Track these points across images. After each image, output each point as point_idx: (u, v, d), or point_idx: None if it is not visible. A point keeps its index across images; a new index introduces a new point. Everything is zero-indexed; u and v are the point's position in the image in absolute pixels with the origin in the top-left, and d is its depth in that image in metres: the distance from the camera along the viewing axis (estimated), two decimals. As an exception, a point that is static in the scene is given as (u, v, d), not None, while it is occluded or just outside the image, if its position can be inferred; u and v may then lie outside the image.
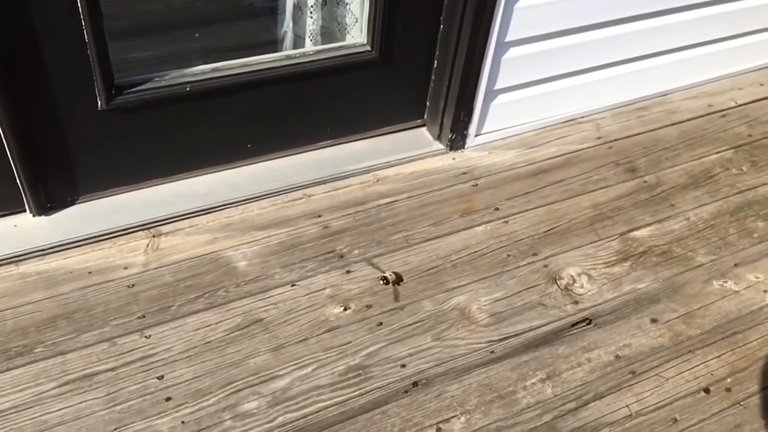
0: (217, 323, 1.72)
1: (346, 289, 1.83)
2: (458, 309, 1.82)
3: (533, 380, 1.67)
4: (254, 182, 2.07)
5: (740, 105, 2.61)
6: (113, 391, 1.57)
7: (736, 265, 2.00)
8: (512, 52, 2.15)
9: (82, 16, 1.63)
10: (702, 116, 2.55)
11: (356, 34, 2.11)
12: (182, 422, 1.53)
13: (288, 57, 2.02)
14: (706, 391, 1.68)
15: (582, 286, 1.90)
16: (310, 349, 1.69)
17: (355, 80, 2.11)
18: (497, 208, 2.11)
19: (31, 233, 1.86)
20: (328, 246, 1.94)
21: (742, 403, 1.66)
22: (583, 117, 2.48)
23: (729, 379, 1.71)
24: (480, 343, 1.74)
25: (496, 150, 2.33)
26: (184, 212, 1.97)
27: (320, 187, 2.11)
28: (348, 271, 1.88)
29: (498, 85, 2.21)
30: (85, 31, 1.66)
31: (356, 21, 2.10)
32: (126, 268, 1.83)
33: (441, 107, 2.22)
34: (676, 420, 1.62)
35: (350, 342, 1.72)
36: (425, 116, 2.32)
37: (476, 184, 2.19)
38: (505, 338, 1.76)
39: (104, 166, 1.92)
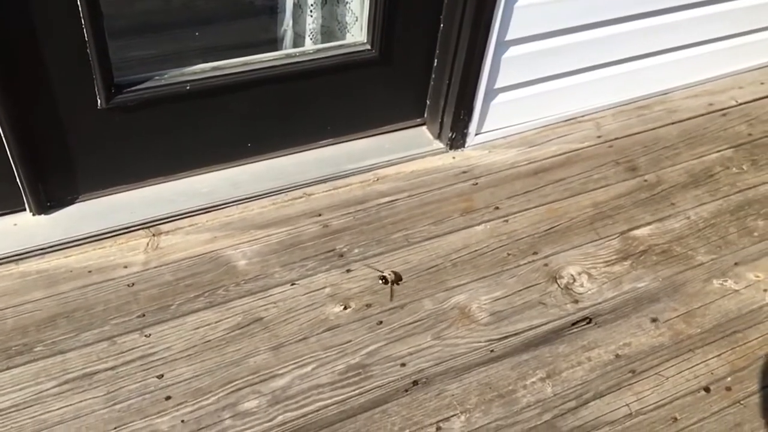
0: (216, 322, 1.72)
1: (346, 288, 1.83)
2: (458, 308, 1.82)
3: (533, 379, 1.67)
4: (254, 181, 2.07)
5: (741, 104, 2.61)
6: (113, 389, 1.57)
7: (736, 264, 2.00)
8: (512, 51, 2.15)
9: (82, 15, 1.63)
10: (702, 115, 2.55)
11: (356, 33, 2.11)
12: (182, 421, 1.53)
13: (288, 56, 2.02)
14: (706, 390, 1.68)
15: (582, 285, 1.90)
16: (310, 348, 1.69)
17: (355, 79, 2.11)
18: (497, 207, 2.11)
19: (31, 232, 1.87)
20: (328, 245, 1.94)
21: (742, 402, 1.66)
22: (583, 116, 2.48)
23: (729, 378, 1.71)
24: (480, 342, 1.74)
25: (497, 149, 2.33)
26: (184, 211, 1.97)
27: (320, 186, 2.11)
28: (348, 270, 1.88)
29: (498, 84, 2.21)
30: (84, 30, 1.66)
31: (356, 20, 2.10)
32: (126, 267, 1.83)
33: (441, 106, 2.22)
34: (676, 419, 1.62)
35: (350, 341, 1.72)
36: (425, 115, 2.32)
37: (476, 183, 2.19)
38: (505, 337, 1.76)
39: (104, 165, 1.92)
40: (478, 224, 2.05)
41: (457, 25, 2.03)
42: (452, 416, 1.59)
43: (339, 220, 2.02)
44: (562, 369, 1.70)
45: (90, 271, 1.81)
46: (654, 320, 1.83)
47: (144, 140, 1.93)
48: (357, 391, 1.61)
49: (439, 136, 2.30)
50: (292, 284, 1.83)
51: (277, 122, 2.09)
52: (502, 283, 1.89)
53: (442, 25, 2.09)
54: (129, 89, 1.82)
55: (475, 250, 1.97)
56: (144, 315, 1.72)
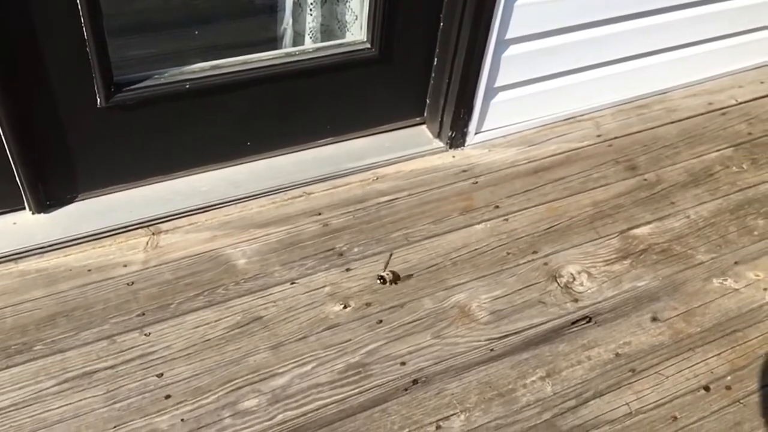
0: (216, 321, 1.72)
1: (345, 287, 1.83)
2: (458, 307, 1.81)
3: (533, 378, 1.67)
4: (254, 180, 2.07)
5: (740, 103, 2.61)
6: (113, 388, 1.57)
7: (736, 263, 2.00)
8: (512, 50, 2.15)
9: (81, 14, 1.63)
10: (702, 114, 2.55)
11: (356, 32, 2.11)
12: (182, 420, 1.53)
13: (288, 54, 2.02)
14: (706, 389, 1.68)
15: (582, 284, 1.90)
16: (310, 347, 1.69)
17: (355, 78, 2.11)
18: (497, 206, 2.11)
19: (30, 231, 1.86)
20: (327, 244, 1.94)
21: (742, 401, 1.66)
22: (583, 115, 2.48)
23: (729, 377, 1.71)
24: (480, 340, 1.74)
25: (496, 148, 2.33)
26: (184, 210, 1.97)
27: (320, 185, 2.11)
28: (348, 269, 1.88)
29: (498, 83, 2.21)
30: (84, 29, 1.65)
31: (356, 18, 2.10)
32: (125, 265, 1.83)
33: (441, 105, 2.22)
34: (676, 418, 1.62)
35: (350, 340, 1.71)
36: (425, 114, 2.32)
37: (476, 182, 2.19)
38: (505, 336, 1.76)
39: (103, 164, 1.92)
40: (478, 223, 2.05)
41: (457, 24, 2.03)
42: (452, 415, 1.59)
43: (339, 219, 2.02)
44: (561, 368, 1.70)
45: (89, 270, 1.81)
46: (654, 319, 1.83)
47: (143, 139, 1.93)
48: (357, 390, 1.61)
49: (438, 135, 2.29)
50: (292, 283, 1.83)
51: (277, 121, 2.09)
52: (502, 282, 1.89)
53: (442, 24, 2.09)
54: (128, 88, 1.81)
55: (475, 249, 1.97)
56: (143, 314, 1.72)
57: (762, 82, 2.71)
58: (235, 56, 1.95)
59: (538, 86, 2.31)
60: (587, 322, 1.81)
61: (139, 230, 1.92)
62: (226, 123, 2.01)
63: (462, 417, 1.59)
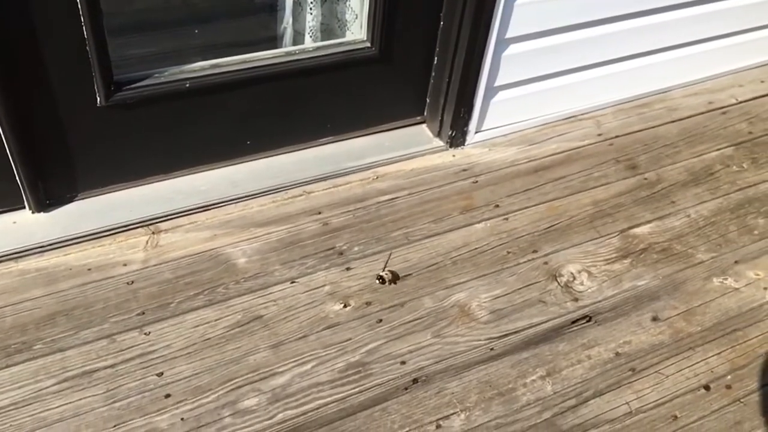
0: (216, 320, 1.72)
1: (345, 286, 1.83)
2: (458, 306, 1.81)
3: (533, 377, 1.67)
4: (254, 179, 2.07)
5: (741, 102, 2.61)
6: (112, 388, 1.57)
7: (736, 262, 2.00)
8: (512, 49, 2.15)
9: (81, 13, 1.63)
10: (702, 113, 2.55)
11: (356, 31, 2.11)
12: (182, 419, 1.53)
13: (288, 53, 2.01)
14: (707, 388, 1.68)
15: (582, 283, 1.90)
16: (310, 346, 1.69)
17: (355, 77, 2.10)
18: (497, 205, 2.11)
19: (30, 230, 1.86)
20: (327, 243, 1.94)
21: (742, 400, 1.66)
22: (583, 114, 2.48)
23: (729, 377, 1.71)
24: (480, 340, 1.74)
25: (497, 147, 2.32)
26: (184, 209, 1.97)
27: (320, 184, 2.11)
28: (348, 268, 1.88)
29: (498, 82, 2.21)
30: (84, 28, 1.65)
31: (356, 17, 2.10)
32: (125, 264, 1.82)
33: (441, 104, 2.22)
34: (676, 417, 1.62)
35: (350, 339, 1.71)
36: (425, 113, 2.32)
37: (476, 181, 2.19)
38: (505, 335, 1.76)
39: (103, 163, 1.92)
40: (478, 222, 2.05)
41: (457, 23, 2.02)
42: (452, 414, 1.59)
43: (339, 218, 2.02)
44: (562, 367, 1.70)
45: (89, 269, 1.80)
46: (654, 318, 1.83)
47: (143, 138, 1.92)
48: (357, 389, 1.61)
49: (439, 134, 2.29)
50: (292, 282, 1.83)
51: (277, 120, 2.08)
52: (502, 281, 1.89)
53: (442, 23, 2.08)
54: (128, 87, 1.81)
55: (475, 248, 1.97)
56: (143, 313, 1.72)
57: (762, 81, 2.71)
58: (235, 55, 1.95)
59: (539, 85, 2.30)
60: (587, 322, 1.81)
61: (139, 229, 1.92)
62: (226, 122, 2.01)
63: (462, 416, 1.59)
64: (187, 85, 1.87)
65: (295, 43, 2.20)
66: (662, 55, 2.48)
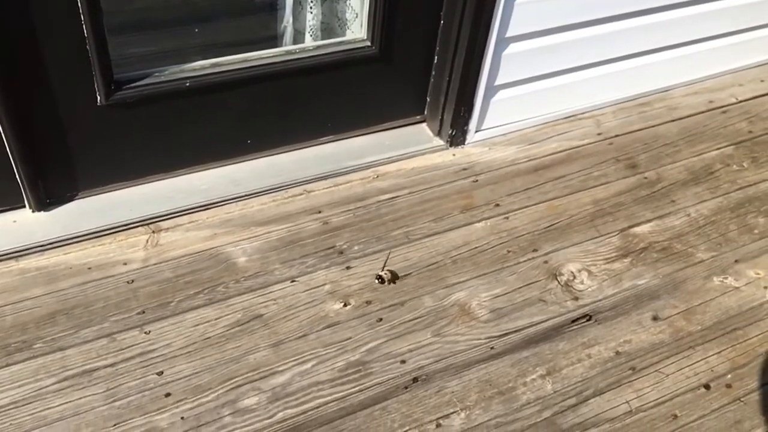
0: (216, 319, 1.72)
1: (345, 285, 1.83)
2: (458, 305, 1.81)
3: (533, 376, 1.67)
4: (254, 178, 2.07)
5: (741, 101, 2.61)
6: (113, 386, 1.57)
7: (736, 261, 2.00)
8: (513, 48, 2.15)
9: (81, 12, 1.63)
10: (703, 112, 2.55)
11: (356, 30, 2.11)
12: (182, 418, 1.53)
13: (288, 52, 2.01)
14: (707, 387, 1.68)
15: (582, 282, 1.90)
16: (310, 345, 1.69)
17: (355, 76, 2.10)
18: (497, 204, 2.11)
19: (30, 229, 1.86)
20: (328, 242, 1.94)
21: (742, 399, 1.66)
22: (583, 113, 2.48)
23: (729, 376, 1.71)
24: (480, 339, 1.74)
25: (497, 146, 2.32)
26: (184, 208, 1.97)
27: (320, 183, 2.11)
28: (348, 267, 1.88)
29: (498, 81, 2.21)
30: (84, 27, 1.65)
31: (356, 16, 2.10)
32: (125, 263, 1.82)
33: (441, 103, 2.22)
34: (676, 416, 1.62)
35: (350, 338, 1.71)
36: (425, 112, 2.32)
37: (476, 180, 2.19)
38: (505, 334, 1.76)
39: (104, 162, 1.92)
40: (479, 221, 2.05)
41: (457, 22, 2.02)
42: (452, 413, 1.59)
43: (339, 217, 2.02)
44: (562, 366, 1.70)
45: (89, 268, 1.80)
46: (654, 317, 1.83)
47: (143, 137, 1.92)
48: (357, 388, 1.61)
49: (439, 133, 2.29)
50: (292, 281, 1.83)
51: (277, 119, 2.08)
52: (502, 280, 1.89)
53: (442, 22, 2.08)
54: (128, 86, 1.81)
55: (475, 247, 1.97)
56: (144, 312, 1.72)
57: (762, 81, 2.71)
58: (236, 54, 1.95)
59: (539, 84, 2.30)
60: (587, 321, 1.81)
61: (140, 228, 1.92)
62: (226, 121, 2.01)
63: (462, 415, 1.59)
64: (188, 84, 1.87)
65: (295, 42, 2.20)
66: (662, 54, 2.48)
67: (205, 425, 1.52)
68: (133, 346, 1.65)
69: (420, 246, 1.96)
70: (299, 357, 1.66)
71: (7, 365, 1.59)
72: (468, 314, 1.79)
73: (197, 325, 1.70)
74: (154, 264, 1.83)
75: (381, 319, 1.76)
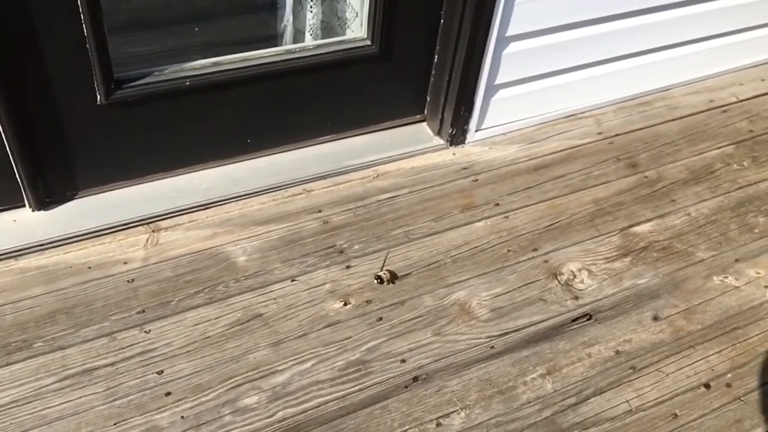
0: (216, 318, 1.72)
1: (346, 284, 1.83)
2: (458, 304, 1.81)
3: (533, 375, 1.67)
4: (254, 177, 2.07)
5: (741, 100, 2.61)
6: (113, 385, 1.57)
7: (736, 260, 2.00)
8: (513, 47, 2.14)
9: (81, 11, 1.62)
10: (703, 111, 2.54)
11: (356, 29, 2.11)
12: (182, 417, 1.53)
13: (288, 51, 2.01)
14: (707, 386, 1.68)
15: (582, 282, 1.90)
16: (310, 344, 1.69)
17: (355, 75, 2.10)
18: (498, 204, 2.11)
19: (30, 228, 1.86)
20: (328, 241, 1.94)
21: (742, 398, 1.66)
22: (584, 112, 2.48)
23: (729, 375, 1.71)
24: (480, 338, 1.74)
25: (497, 145, 2.32)
26: (184, 207, 1.97)
27: (320, 182, 2.11)
28: (348, 267, 1.88)
29: (499, 80, 2.20)
30: (84, 26, 1.65)
31: (356, 15, 2.09)
32: (125, 263, 1.82)
33: (441, 102, 2.22)
34: (676, 415, 1.62)
35: (350, 337, 1.71)
36: (426, 111, 2.31)
37: (477, 180, 2.19)
38: (506, 333, 1.76)
39: (103, 161, 1.92)
40: (479, 220, 2.05)
41: (457, 21, 2.02)
42: (452, 412, 1.59)
43: (339, 216, 2.01)
44: (562, 365, 1.70)
45: (89, 267, 1.80)
46: (654, 317, 1.83)
47: (143, 136, 1.92)
48: (357, 388, 1.61)
49: (439, 133, 2.29)
50: (292, 280, 1.83)
51: (277, 118, 2.08)
52: (503, 279, 1.89)
53: (442, 21, 2.08)
54: (128, 85, 1.81)
55: (476, 247, 1.97)
56: (144, 311, 1.72)
57: (763, 80, 2.71)
58: (236, 53, 1.95)
59: (539, 83, 2.30)
60: (588, 320, 1.81)
61: (140, 227, 1.92)
62: (226, 120, 2.01)
63: (462, 414, 1.59)
64: (188, 83, 1.87)
65: (295, 41, 2.20)
66: (663, 53, 2.48)
67: (205, 424, 1.52)
68: (133, 345, 1.65)
69: (420, 245, 1.96)
70: (299, 356, 1.66)
71: (8, 364, 1.59)
72: (468, 313, 1.79)
73: (197, 324, 1.70)
74: (154, 263, 1.83)
75: (381, 319, 1.76)
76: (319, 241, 1.93)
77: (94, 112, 1.81)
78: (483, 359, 1.69)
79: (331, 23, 2.17)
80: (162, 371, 1.60)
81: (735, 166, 2.33)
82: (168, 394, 1.56)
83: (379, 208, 2.05)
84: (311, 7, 2.11)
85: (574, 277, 1.91)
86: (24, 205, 1.90)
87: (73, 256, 1.83)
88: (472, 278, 1.88)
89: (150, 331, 1.68)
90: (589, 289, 1.89)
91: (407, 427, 1.55)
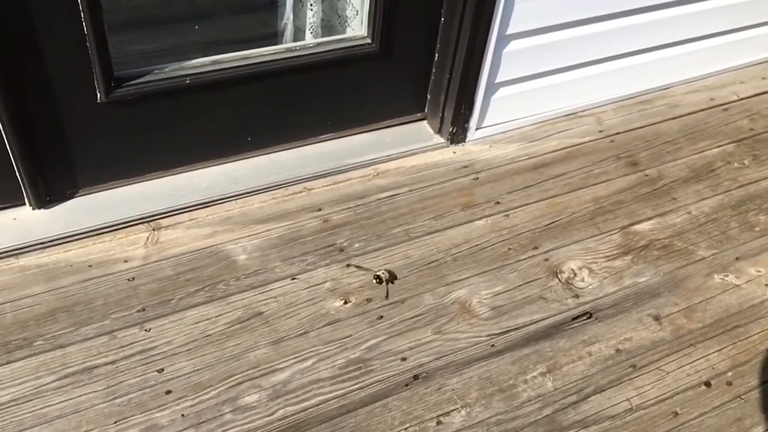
0: (217, 316, 1.72)
1: (346, 282, 1.83)
2: (459, 302, 1.81)
3: (534, 374, 1.67)
4: (254, 176, 2.07)
5: (742, 99, 2.61)
6: (113, 384, 1.57)
7: (737, 258, 2.00)
8: (513, 45, 2.14)
9: (81, 9, 1.62)
10: (704, 110, 2.54)
11: (357, 27, 2.10)
12: (182, 415, 1.53)
13: (288, 50, 2.01)
14: (707, 384, 1.68)
15: (583, 280, 1.90)
16: (311, 343, 1.69)
17: (356, 73, 2.10)
18: (498, 202, 2.11)
19: (30, 226, 1.86)
20: (328, 239, 1.94)
21: (743, 396, 1.66)
22: (584, 110, 2.48)
23: (730, 373, 1.71)
24: (480, 336, 1.74)
25: (497, 143, 2.32)
26: (184, 205, 1.96)
27: (321, 181, 2.11)
28: (348, 265, 1.87)
29: (499, 79, 2.20)
30: (84, 24, 1.65)
31: (357, 13, 2.09)
32: (126, 261, 1.82)
33: (442, 100, 2.22)
34: (676, 413, 1.62)
35: (350, 335, 1.71)
36: (426, 110, 2.31)
37: (477, 178, 2.19)
38: (506, 332, 1.76)
39: (104, 159, 1.92)
40: (479, 219, 2.05)
41: (458, 20, 2.02)
42: (453, 410, 1.59)
43: (339, 214, 2.01)
44: (562, 363, 1.70)
45: (90, 266, 1.80)
46: (655, 315, 1.83)
47: (144, 134, 1.92)
48: (357, 386, 1.61)
49: (439, 131, 2.29)
50: (293, 279, 1.83)
51: (277, 117, 2.08)
52: (503, 277, 1.89)
53: (442, 20, 2.08)
54: (129, 83, 1.81)
55: (476, 245, 1.97)
56: (144, 309, 1.72)
57: (764, 78, 2.71)
58: (236, 51, 1.94)
59: (540, 82, 2.30)
60: (588, 318, 1.81)
61: (140, 226, 1.91)
62: (226, 118, 2.01)
63: (463, 412, 1.59)
64: (188, 82, 1.87)
65: (295, 39, 2.20)
66: (663, 51, 2.48)
67: (206, 422, 1.52)
68: (133, 343, 1.65)
69: (420, 244, 1.95)
70: (300, 354, 1.66)
71: (8, 362, 1.59)
72: (468, 312, 1.79)
73: (198, 322, 1.70)
74: (155, 261, 1.83)
75: (381, 317, 1.76)
76: (319, 240, 1.93)
77: (94, 110, 1.81)
78: (483, 357, 1.69)
79: (332, 21, 2.17)
80: (162, 369, 1.60)
81: (736, 164, 2.33)
82: (168, 392, 1.56)
83: (379, 207, 2.05)
84: (311, 5, 2.11)
85: (575, 275, 1.91)
86: (24, 204, 1.90)
87: (73, 254, 1.83)
88: (472, 276, 1.88)
89: (150, 329, 1.68)
90: (590, 287, 1.88)
91: (408, 425, 1.55)
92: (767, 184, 2.26)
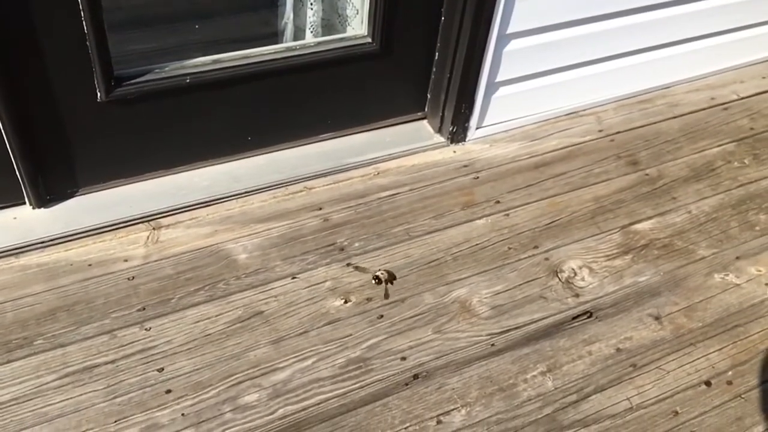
0: (217, 316, 1.72)
1: (346, 281, 1.83)
2: (459, 302, 1.81)
3: (534, 373, 1.67)
4: (255, 175, 2.07)
5: (742, 98, 2.60)
6: (113, 383, 1.57)
7: (737, 258, 2.00)
8: (514, 44, 2.14)
9: (81, 8, 1.62)
10: (704, 109, 2.54)
11: (357, 26, 2.10)
12: (182, 414, 1.53)
13: (288, 49, 2.01)
14: (707, 384, 1.68)
15: (583, 279, 1.90)
16: (311, 342, 1.69)
17: (356, 72, 2.10)
18: (498, 201, 2.11)
19: (30, 225, 1.86)
20: (328, 239, 1.94)
21: (743, 396, 1.66)
22: (585, 110, 2.48)
23: (730, 372, 1.71)
24: (481, 335, 1.74)
25: (498, 143, 2.32)
26: (185, 205, 1.96)
27: (321, 180, 2.11)
28: (348, 264, 1.87)
29: (499, 78, 2.20)
30: (84, 23, 1.65)
31: (357, 13, 2.09)
32: (126, 260, 1.82)
33: (442, 100, 2.21)
34: (677, 413, 1.62)
35: (351, 335, 1.71)
36: (426, 109, 2.31)
37: (477, 177, 2.18)
38: (506, 331, 1.76)
39: (104, 158, 1.92)
40: (479, 218, 2.05)
41: (458, 18, 2.02)
42: (453, 410, 1.59)
43: (340, 213, 2.01)
44: (562, 363, 1.70)
45: (90, 265, 1.80)
46: (655, 314, 1.83)
47: (144, 133, 1.92)
48: (357, 385, 1.61)
49: (440, 130, 2.29)
50: (293, 278, 1.83)
51: (278, 116, 2.08)
52: (503, 277, 1.89)
53: (443, 19, 2.08)
54: (129, 82, 1.81)
55: (476, 244, 1.97)
56: (144, 308, 1.72)
57: (764, 77, 2.71)
58: (236, 51, 1.94)
59: (540, 81, 2.30)
60: (588, 317, 1.81)
61: (140, 225, 1.91)
62: (226, 117, 2.01)
63: (463, 412, 1.59)
64: (188, 81, 1.87)
65: (295, 38, 2.20)
66: (664, 51, 2.48)
67: (206, 422, 1.52)
68: (133, 342, 1.65)
69: (420, 243, 1.95)
70: (300, 354, 1.66)
71: (8, 362, 1.59)
72: (469, 311, 1.79)
73: (198, 321, 1.70)
74: (155, 261, 1.83)
75: (382, 316, 1.76)
76: (319, 239, 1.93)
77: (94, 109, 1.81)
78: (483, 357, 1.69)
79: (332, 20, 2.17)
80: (162, 369, 1.60)
81: (736, 163, 2.33)
82: (168, 391, 1.56)
83: (379, 206, 2.05)
84: (312, 4, 2.11)
85: (575, 274, 1.91)
86: (24, 203, 1.90)
87: (73, 253, 1.83)
88: (472, 276, 1.88)
89: (150, 328, 1.68)
90: (590, 286, 1.88)
91: (408, 424, 1.55)
92: (767, 183, 2.26)
